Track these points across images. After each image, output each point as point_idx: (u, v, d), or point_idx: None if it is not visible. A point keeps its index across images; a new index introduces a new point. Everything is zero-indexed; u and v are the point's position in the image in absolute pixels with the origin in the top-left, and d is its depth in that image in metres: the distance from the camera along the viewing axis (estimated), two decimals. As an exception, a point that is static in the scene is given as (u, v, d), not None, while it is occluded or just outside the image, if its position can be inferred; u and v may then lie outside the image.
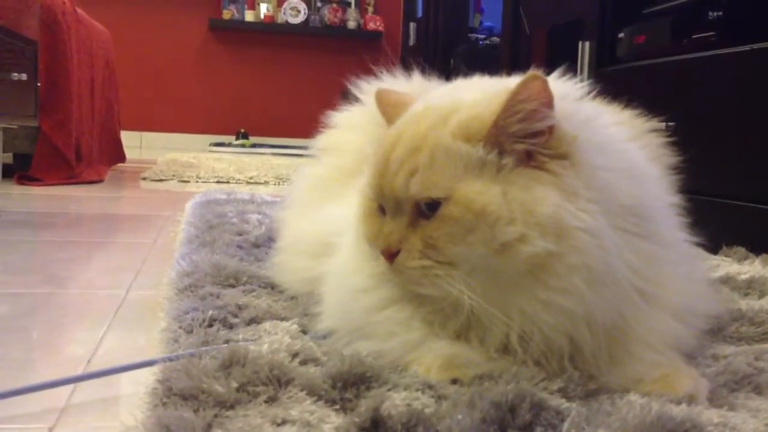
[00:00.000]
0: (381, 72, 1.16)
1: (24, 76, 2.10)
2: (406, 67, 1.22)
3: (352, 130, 1.13)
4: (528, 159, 0.73)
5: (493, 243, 0.70)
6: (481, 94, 0.78)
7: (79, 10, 3.21)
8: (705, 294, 0.93)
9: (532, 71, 0.72)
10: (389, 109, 0.85)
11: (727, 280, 1.25)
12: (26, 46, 2.21)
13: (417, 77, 1.17)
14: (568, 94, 0.82)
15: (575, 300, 0.71)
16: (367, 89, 1.16)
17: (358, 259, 0.84)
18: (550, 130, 0.73)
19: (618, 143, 0.84)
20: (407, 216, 0.75)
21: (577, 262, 0.70)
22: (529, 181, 0.72)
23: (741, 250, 1.50)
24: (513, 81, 0.80)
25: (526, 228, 0.70)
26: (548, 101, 0.72)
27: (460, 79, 1.10)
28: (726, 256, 1.50)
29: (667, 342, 0.78)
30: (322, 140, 1.17)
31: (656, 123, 1.14)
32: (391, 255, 0.75)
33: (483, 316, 0.74)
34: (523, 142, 0.73)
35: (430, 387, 0.71)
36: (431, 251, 0.73)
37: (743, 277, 1.27)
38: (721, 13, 1.70)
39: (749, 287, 1.21)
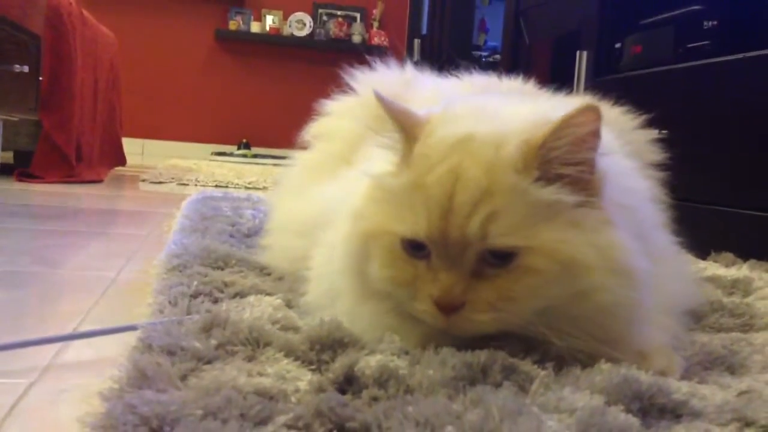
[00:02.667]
0: (375, 61, 1.19)
1: (26, 68, 2.12)
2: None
3: (344, 117, 1.15)
4: (576, 192, 0.69)
5: (572, 291, 0.67)
6: (521, 121, 0.72)
7: (86, 13, 3.24)
8: (689, 290, 0.94)
9: (590, 101, 0.69)
10: (409, 122, 0.74)
11: (712, 280, 1.25)
12: (30, 40, 2.23)
13: (409, 68, 1.20)
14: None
15: (616, 332, 0.71)
16: (360, 78, 1.18)
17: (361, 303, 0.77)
18: (593, 162, 0.70)
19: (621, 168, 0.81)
20: (469, 265, 0.68)
21: (638, 301, 0.70)
22: (595, 222, 0.69)
23: (729, 256, 1.50)
24: (545, 104, 0.81)
25: (606, 276, 0.67)
26: (598, 131, 0.69)
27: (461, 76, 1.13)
28: (714, 261, 1.51)
29: (658, 340, 0.79)
30: (315, 127, 1.19)
31: (642, 119, 1.16)
32: (452, 309, 0.67)
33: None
34: (570, 168, 0.69)
35: (407, 353, 0.71)
36: (506, 303, 0.67)
37: (729, 277, 1.27)
38: (716, 23, 1.72)
39: (734, 287, 1.20)
